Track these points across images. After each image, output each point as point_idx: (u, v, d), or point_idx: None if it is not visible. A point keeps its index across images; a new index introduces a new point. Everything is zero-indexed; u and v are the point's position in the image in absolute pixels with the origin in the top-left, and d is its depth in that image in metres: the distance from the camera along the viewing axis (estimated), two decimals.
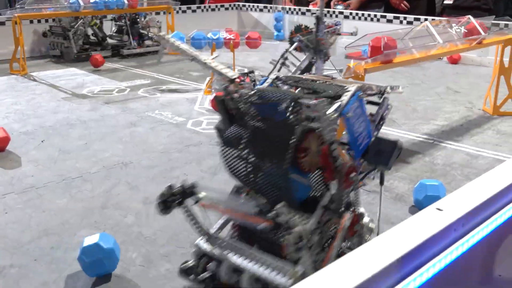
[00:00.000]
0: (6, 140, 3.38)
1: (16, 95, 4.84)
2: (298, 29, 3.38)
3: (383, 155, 1.76)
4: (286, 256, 1.65)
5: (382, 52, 2.85)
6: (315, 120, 1.57)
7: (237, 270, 1.76)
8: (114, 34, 7.10)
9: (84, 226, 2.41)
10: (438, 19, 3.46)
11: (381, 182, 1.89)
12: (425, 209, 1.35)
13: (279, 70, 3.33)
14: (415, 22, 6.97)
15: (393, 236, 1.20)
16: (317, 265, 1.69)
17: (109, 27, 7.20)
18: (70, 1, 6.06)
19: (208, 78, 5.40)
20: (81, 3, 6.10)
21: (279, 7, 8.51)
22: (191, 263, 1.89)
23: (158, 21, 7.14)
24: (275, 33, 8.46)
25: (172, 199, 1.80)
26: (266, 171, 1.71)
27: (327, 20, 3.43)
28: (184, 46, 2.11)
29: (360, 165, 1.81)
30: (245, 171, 1.78)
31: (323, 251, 1.73)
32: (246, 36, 4.94)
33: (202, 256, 1.87)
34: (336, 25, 3.30)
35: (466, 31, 3.55)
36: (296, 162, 1.66)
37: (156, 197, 1.74)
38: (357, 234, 1.84)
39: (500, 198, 1.47)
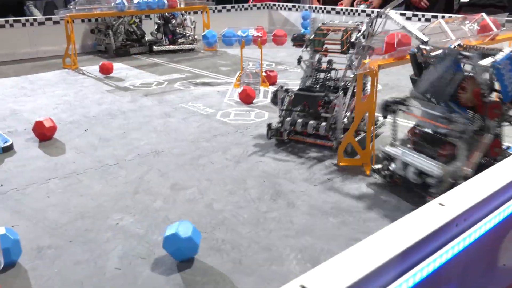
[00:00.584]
0: (53, 129, 3.38)
1: (66, 88, 4.87)
2: (346, 30, 3.27)
3: None
4: (443, 157, 2.27)
5: (395, 49, 2.70)
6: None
7: (407, 166, 2.39)
8: (153, 32, 7.08)
9: (116, 210, 2.37)
10: (454, 16, 3.26)
11: None
12: (428, 203, 1.25)
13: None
14: (432, 20, 6.70)
15: (395, 231, 1.11)
16: (461, 168, 2.20)
17: (148, 26, 7.17)
18: (116, 2, 6.06)
19: (238, 73, 5.32)
20: (126, 4, 6.10)
21: (306, 6, 8.31)
22: (379, 165, 2.61)
23: (193, 21, 7.06)
24: (302, 30, 8.28)
25: (390, 105, 2.53)
26: (437, 103, 2.33)
27: (350, 21, 3.31)
28: (397, 17, 2.84)
29: (508, 108, 2.28)
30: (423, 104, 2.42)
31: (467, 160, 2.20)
32: (273, 33, 4.81)
33: (386, 159, 2.56)
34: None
35: (480, 28, 3.34)
36: (457, 98, 2.24)
37: (182, 185, 1.94)
38: (500, 160, 2.24)
39: (502, 193, 1.36)
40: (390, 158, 2.55)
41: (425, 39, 2.53)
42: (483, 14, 3.45)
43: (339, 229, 2.17)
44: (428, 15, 6.78)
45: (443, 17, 6.63)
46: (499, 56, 2.18)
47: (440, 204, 1.24)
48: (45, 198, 2.50)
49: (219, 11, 8.25)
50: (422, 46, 2.45)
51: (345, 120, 3.06)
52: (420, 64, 2.46)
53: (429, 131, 2.43)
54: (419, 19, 6.85)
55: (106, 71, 5.43)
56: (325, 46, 3.21)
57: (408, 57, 2.84)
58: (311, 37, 3.22)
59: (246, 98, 4.16)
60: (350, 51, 3.09)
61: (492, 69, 2.17)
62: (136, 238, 2.11)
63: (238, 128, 3.55)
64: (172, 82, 5.10)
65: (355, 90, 2.91)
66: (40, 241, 2.10)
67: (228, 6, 8.50)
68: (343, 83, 3.21)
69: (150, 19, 7.24)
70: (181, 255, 1.91)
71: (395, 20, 2.79)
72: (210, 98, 4.43)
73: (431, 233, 1.12)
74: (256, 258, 1.96)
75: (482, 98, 2.22)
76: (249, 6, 8.74)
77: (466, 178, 2.12)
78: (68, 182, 2.69)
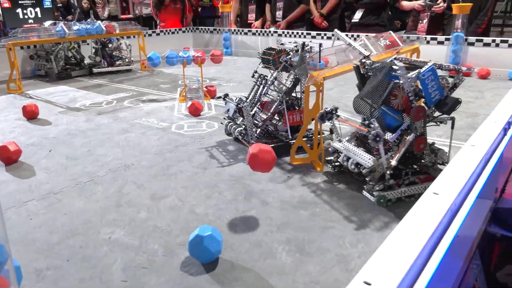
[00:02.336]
0: (18, 152, 2.99)
1: (17, 111, 4.35)
2: (280, 51, 3.13)
3: (448, 106, 2.26)
4: (375, 154, 2.32)
5: (337, 63, 2.73)
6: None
7: (348, 159, 2.44)
8: (91, 55, 6.63)
9: (104, 224, 2.14)
10: (372, 35, 3.38)
11: (452, 127, 2.40)
12: (424, 194, 1.25)
13: (263, 88, 3.15)
14: (333, 37, 6.94)
15: (415, 220, 1.08)
16: (390, 160, 2.26)
17: (86, 50, 6.70)
18: (57, 29, 5.55)
19: (179, 89, 5.13)
20: (66, 30, 5.60)
21: (226, 29, 8.25)
22: (330, 157, 2.68)
23: (128, 44, 6.72)
24: (224, 49, 8.22)
25: (326, 115, 2.55)
26: (373, 106, 2.29)
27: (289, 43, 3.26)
28: (344, 36, 2.94)
29: (432, 111, 2.33)
30: (363, 106, 2.37)
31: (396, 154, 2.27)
32: (211, 53, 4.69)
33: (335, 152, 2.61)
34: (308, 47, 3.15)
35: (389, 43, 3.49)
36: (390, 103, 2.29)
37: (161, 194, 1.98)
38: (426, 154, 2.37)
39: (476, 173, 1.40)
40: (338, 152, 2.62)
41: (367, 53, 2.58)
42: (391, 32, 3.61)
43: (312, 220, 2.14)
44: (329, 33, 7.02)
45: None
46: (424, 69, 2.24)
47: (434, 193, 1.24)
48: (28, 221, 2.19)
49: (150, 35, 7.92)
50: (363, 60, 2.50)
51: (261, 127, 3.03)
52: (362, 74, 2.51)
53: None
54: (322, 37, 7.08)
55: (31, 115, 4.07)
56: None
57: (343, 69, 2.90)
58: (261, 56, 3.17)
59: (195, 111, 4.00)
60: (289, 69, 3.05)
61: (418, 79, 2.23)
62: (132, 250, 1.91)
63: (195, 138, 3.39)
64: (120, 100, 4.77)
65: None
66: (36, 263, 1.82)
67: (158, 31, 8.19)
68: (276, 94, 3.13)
69: (88, 44, 6.75)
70: (208, 256, 1.78)
71: (343, 38, 2.87)
72: (161, 113, 4.20)
73: (440, 219, 1.12)
74: (250, 254, 1.86)
75: (410, 103, 2.28)
76: (175, 30, 8.48)
77: (391, 168, 2.28)
78: (48, 202, 2.38)
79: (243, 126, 3.09)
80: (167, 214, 2.22)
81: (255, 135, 3.00)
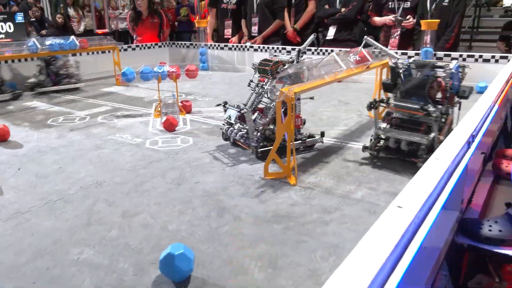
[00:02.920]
0: None
1: None
2: (277, 62, 3.25)
3: (467, 92, 2.89)
4: (421, 132, 2.83)
5: (307, 79, 2.78)
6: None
7: (397, 141, 2.91)
8: (35, 74, 6.13)
9: (74, 243, 2.09)
10: (343, 50, 3.47)
11: (459, 109, 2.98)
12: (388, 208, 1.27)
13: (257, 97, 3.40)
14: (308, 52, 7.06)
15: (380, 232, 1.10)
16: (437, 138, 2.78)
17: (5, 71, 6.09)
18: (28, 44, 5.46)
19: (154, 104, 5.11)
20: (38, 45, 5.52)
21: (203, 43, 8.28)
22: (368, 143, 3.08)
23: (77, 61, 6.41)
24: (200, 64, 8.24)
25: (375, 103, 2.96)
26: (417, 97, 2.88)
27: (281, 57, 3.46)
28: (375, 42, 3.69)
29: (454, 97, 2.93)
30: (405, 99, 2.94)
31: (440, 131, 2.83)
32: (186, 68, 4.69)
33: (376, 138, 3.02)
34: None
35: (359, 58, 3.58)
36: (429, 93, 2.85)
37: (133, 211, 1.99)
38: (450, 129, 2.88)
39: (440, 186, 1.44)
40: (378, 138, 3.03)
41: (397, 56, 3.17)
42: (361, 47, 3.71)
43: (285, 234, 2.14)
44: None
45: (316, 50, 7.04)
46: (454, 65, 2.84)
47: (398, 206, 1.26)
48: None
49: (125, 50, 7.87)
50: (397, 61, 3.03)
51: (261, 131, 3.23)
52: (396, 73, 2.99)
53: (404, 116, 2.96)
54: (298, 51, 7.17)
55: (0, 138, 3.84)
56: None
57: (313, 84, 2.95)
58: (257, 66, 3.32)
59: (170, 127, 3.99)
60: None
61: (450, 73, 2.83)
62: (102, 269, 1.87)
63: (169, 154, 3.37)
64: (94, 116, 4.71)
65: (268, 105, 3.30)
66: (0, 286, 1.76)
67: (133, 45, 8.15)
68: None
69: (6, 62, 6.16)
70: (179, 274, 1.75)
71: (374, 44, 3.50)
72: (135, 128, 4.16)
73: (404, 231, 1.14)
74: (222, 271, 1.85)
75: (446, 92, 2.86)
76: (151, 45, 8.46)
77: (441, 143, 2.72)
78: (15, 222, 2.31)
79: (245, 131, 3.27)
80: (139, 232, 2.19)
81: (255, 138, 3.20)
